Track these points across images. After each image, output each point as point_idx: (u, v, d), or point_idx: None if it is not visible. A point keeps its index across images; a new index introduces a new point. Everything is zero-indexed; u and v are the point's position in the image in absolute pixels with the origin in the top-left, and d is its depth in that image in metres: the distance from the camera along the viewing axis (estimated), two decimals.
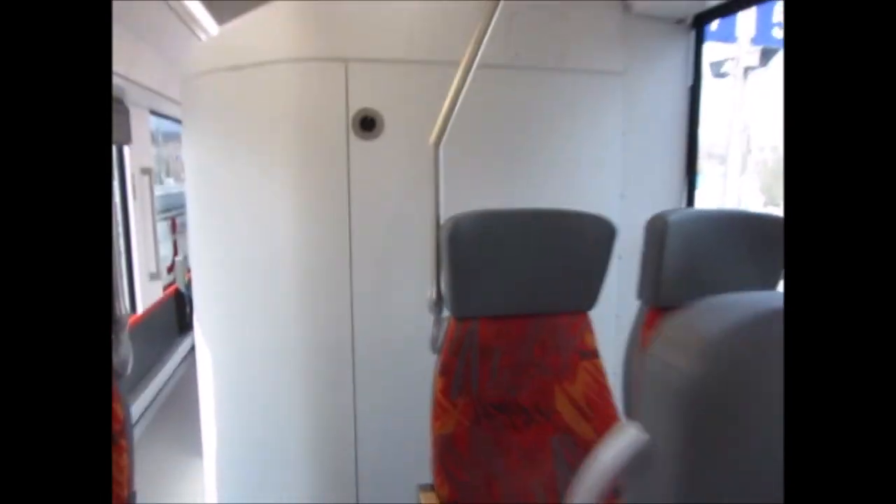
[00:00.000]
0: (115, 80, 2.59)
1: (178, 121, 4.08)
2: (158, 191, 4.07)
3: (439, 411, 1.19)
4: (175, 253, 4.64)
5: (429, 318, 1.31)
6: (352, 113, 1.48)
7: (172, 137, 4.89)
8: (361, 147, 1.49)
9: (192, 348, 4.36)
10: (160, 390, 3.74)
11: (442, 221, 1.23)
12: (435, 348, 1.25)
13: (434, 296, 1.26)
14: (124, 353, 1.04)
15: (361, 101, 1.48)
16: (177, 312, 4.39)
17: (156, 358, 3.86)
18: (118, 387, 1.00)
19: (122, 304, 1.03)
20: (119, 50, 2.58)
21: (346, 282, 1.52)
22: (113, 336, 1.02)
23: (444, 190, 1.25)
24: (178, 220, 4.74)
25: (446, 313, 1.25)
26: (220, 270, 1.72)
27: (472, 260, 1.18)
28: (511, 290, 1.21)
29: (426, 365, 1.32)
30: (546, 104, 1.65)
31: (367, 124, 1.49)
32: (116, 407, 0.98)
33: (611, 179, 1.71)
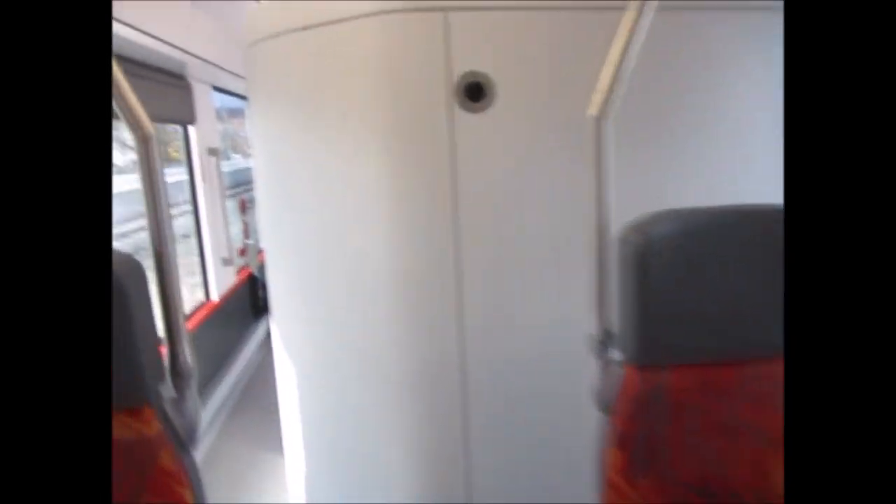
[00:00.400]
0: (174, 54, 2.46)
1: (242, 97, 3.99)
2: (225, 167, 4.04)
3: (613, 497, 0.84)
4: (246, 235, 4.55)
5: (565, 337, 1.02)
6: (455, 78, 1.14)
7: (237, 114, 4.81)
8: (468, 122, 1.16)
9: (269, 334, 4.17)
10: (237, 381, 3.63)
11: (608, 225, 0.88)
12: (602, 406, 0.89)
13: (600, 332, 0.89)
14: (192, 414, 0.75)
15: (467, 62, 1.14)
16: (251, 297, 4.29)
17: (232, 347, 3.75)
18: (187, 461, 0.74)
19: (185, 353, 0.77)
20: (175, 19, 2.40)
21: (452, 288, 1.21)
22: (177, 393, 0.76)
23: (616, 182, 0.89)
24: (246, 199, 4.66)
25: (617, 356, 0.87)
26: (295, 260, 1.48)
27: (667, 284, 0.81)
28: (719, 325, 0.83)
29: (561, 394, 1.10)
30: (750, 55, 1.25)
31: (475, 92, 1.15)
32: (182, 491, 0.72)
33: None
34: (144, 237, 0.82)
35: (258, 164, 1.60)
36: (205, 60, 2.74)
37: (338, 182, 1.30)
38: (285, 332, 1.62)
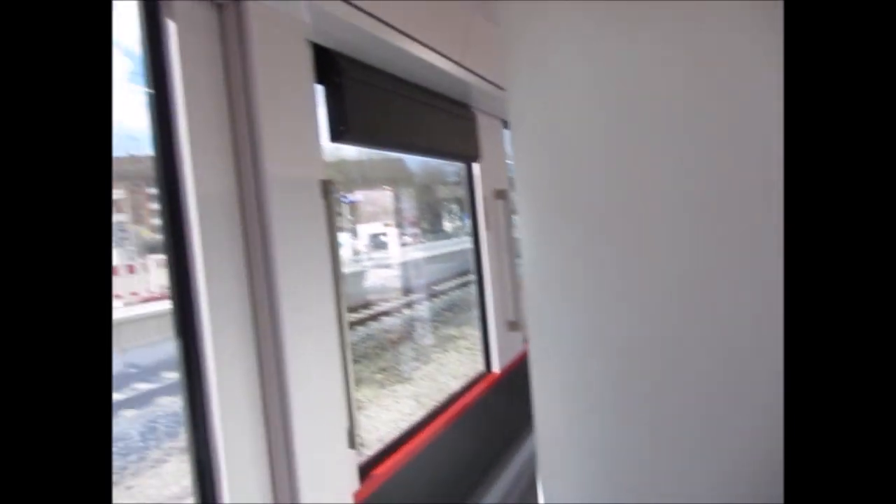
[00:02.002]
0: (456, 72, 2.07)
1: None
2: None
3: None
4: None
5: None
6: None
7: None
8: None
9: None
10: (523, 468, 2.89)
11: None
12: None
13: None
14: None
15: None
16: None
17: (518, 424, 2.96)
18: None
19: None
20: (450, 27, 2.03)
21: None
22: None
23: None
24: None
25: None
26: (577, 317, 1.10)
27: None
28: None
29: None
30: None
31: None
32: None
33: None
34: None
35: (524, 200, 1.23)
36: (492, 83, 2.37)
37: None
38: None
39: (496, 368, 2.84)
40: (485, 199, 2.77)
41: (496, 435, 2.80)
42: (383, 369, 5.40)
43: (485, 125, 2.73)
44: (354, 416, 1.46)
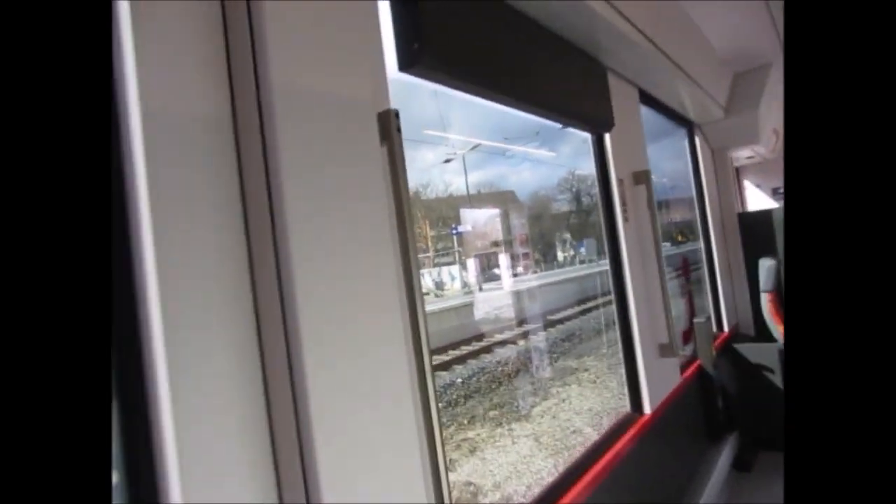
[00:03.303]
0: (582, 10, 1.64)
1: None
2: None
3: None
4: (691, 311, 3.29)
5: None
6: None
7: None
8: None
9: (740, 466, 3.09)
10: None
11: None
12: None
13: None
14: None
15: None
16: (705, 406, 2.87)
17: (676, 487, 2.34)
18: None
19: None
20: None
21: None
22: None
23: None
24: (688, 258, 3.59)
25: None
26: None
27: None
28: None
29: None
30: None
31: None
32: None
33: None
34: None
35: None
36: (639, 30, 1.90)
37: None
38: None
39: (648, 409, 2.12)
40: (620, 183, 2.14)
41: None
42: (498, 405, 5.03)
43: (618, 91, 2.15)
44: None
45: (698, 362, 2.84)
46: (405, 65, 1.05)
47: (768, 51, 3.87)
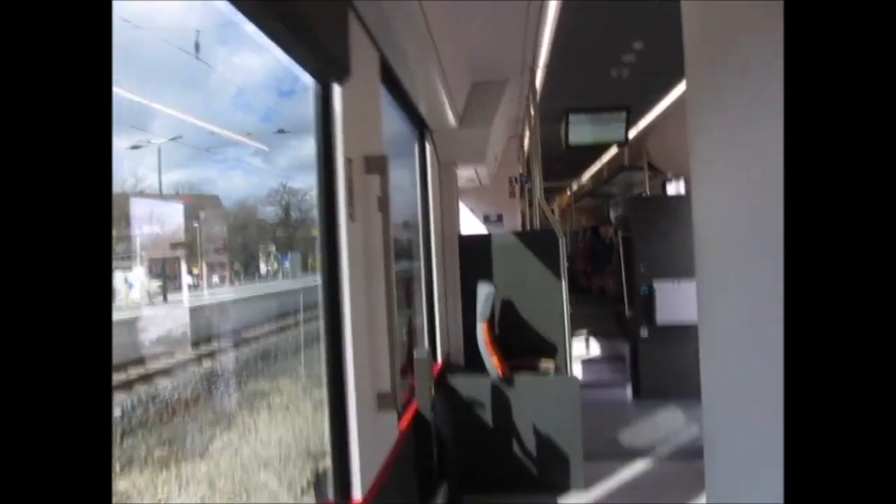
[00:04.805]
0: None
1: None
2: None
3: None
4: (410, 342, 2.98)
5: None
6: None
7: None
8: None
9: None
10: None
11: None
12: None
13: None
14: None
15: None
16: (418, 460, 2.53)
17: None
18: None
19: None
20: None
21: None
22: None
23: None
24: (411, 279, 3.42)
25: None
26: None
27: None
28: None
29: None
30: None
31: None
32: None
33: None
34: None
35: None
36: None
37: None
38: None
39: (358, 493, 1.60)
40: (348, 165, 1.60)
41: None
42: (168, 441, 4.22)
43: (358, 45, 1.70)
44: None
45: (415, 406, 2.50)
46: None
47: (508, 66, 4.14)
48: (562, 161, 9.34)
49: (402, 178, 4.49)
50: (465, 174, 5.32)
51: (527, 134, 5.44)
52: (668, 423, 5.03)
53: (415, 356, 2.40)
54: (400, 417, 2.35)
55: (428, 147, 4.17)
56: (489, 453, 3.69)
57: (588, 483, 3.75)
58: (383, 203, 1.76)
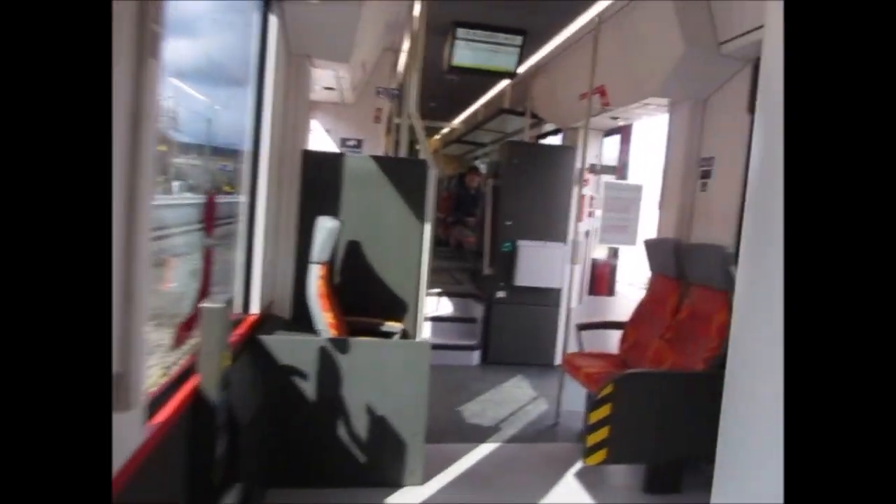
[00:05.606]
0: None
1: None
2: None
3: None
4: (205, 286, 2.36)
5: None
6: None
7: None
8: None
9: None
10: None
11: None
12: None
13: None
14: None
15: None
16: (192, 463, 1.87)
17: None
18: None
19: None
20: None
21: None
22: None
23: None
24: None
25: None
26: None
27: None
28: None
29: None
30: None
31: None
32: None
33: None
34: None
35: None
36: None
37: None
38: None
39: None
40: None
41: None
42: None
43: None
44: None
45: (195, 383, 1.83)
46: None
47: None
48: (436, 98, 8.50)
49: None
50: (323, 79, 4.19)
51: (405, 45, 4.41)
52: (516, 396, 4.62)
53: (204, 307, 1.79)
54: (157, 407, 1.65)
55: (273, 24, 3.03)
56: (310, 437, 2.85)
57: (428, 474, 3.09)
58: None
